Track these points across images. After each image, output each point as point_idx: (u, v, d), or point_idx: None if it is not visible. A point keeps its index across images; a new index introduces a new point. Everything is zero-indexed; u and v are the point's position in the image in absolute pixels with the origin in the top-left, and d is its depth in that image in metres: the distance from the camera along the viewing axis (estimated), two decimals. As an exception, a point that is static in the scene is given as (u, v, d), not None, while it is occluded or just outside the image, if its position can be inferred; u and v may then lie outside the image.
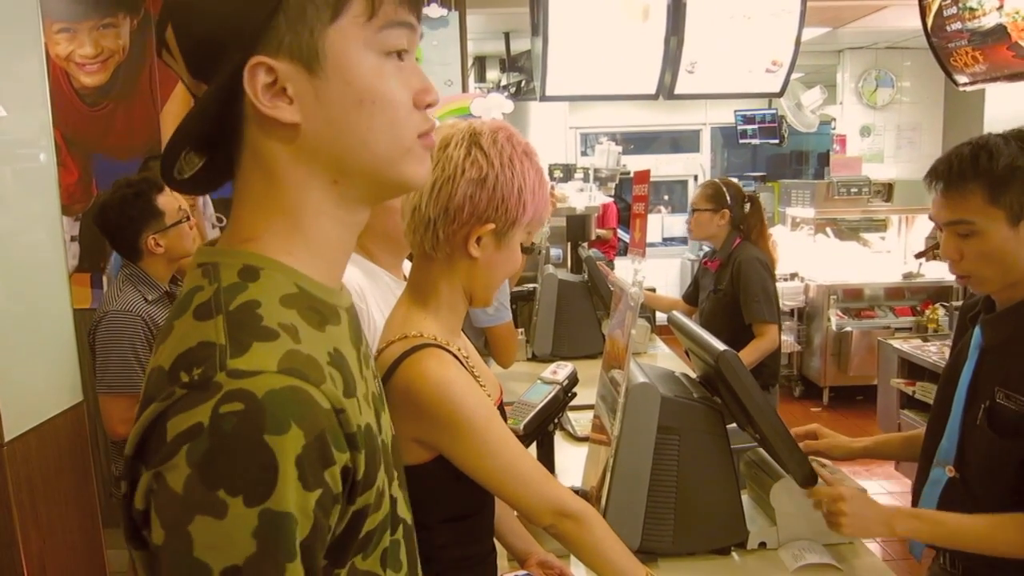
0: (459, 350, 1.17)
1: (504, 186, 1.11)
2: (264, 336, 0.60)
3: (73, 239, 3.60)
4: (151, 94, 3.57)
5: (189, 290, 0.66)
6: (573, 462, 1.88)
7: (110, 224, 2.21)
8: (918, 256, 5.21)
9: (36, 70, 2.34)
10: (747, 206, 3.07)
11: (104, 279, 3.53)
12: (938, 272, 5.62)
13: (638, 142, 8.52)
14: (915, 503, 1.53)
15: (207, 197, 3.65)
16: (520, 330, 3.38)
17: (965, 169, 1.31)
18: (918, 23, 3.88)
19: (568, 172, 4.89)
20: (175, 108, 3.58)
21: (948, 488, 1.43)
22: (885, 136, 6.68)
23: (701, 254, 3.97)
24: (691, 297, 3.38)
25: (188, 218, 2.28)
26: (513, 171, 1.11)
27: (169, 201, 2.23)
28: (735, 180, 3.22)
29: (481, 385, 1.18)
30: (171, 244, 2.23)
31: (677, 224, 8.60)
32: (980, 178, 1.29)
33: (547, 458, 1.78)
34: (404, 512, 0.79)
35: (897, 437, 1.80)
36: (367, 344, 0.82)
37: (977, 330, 1.42)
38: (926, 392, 3.73)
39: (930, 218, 1.44)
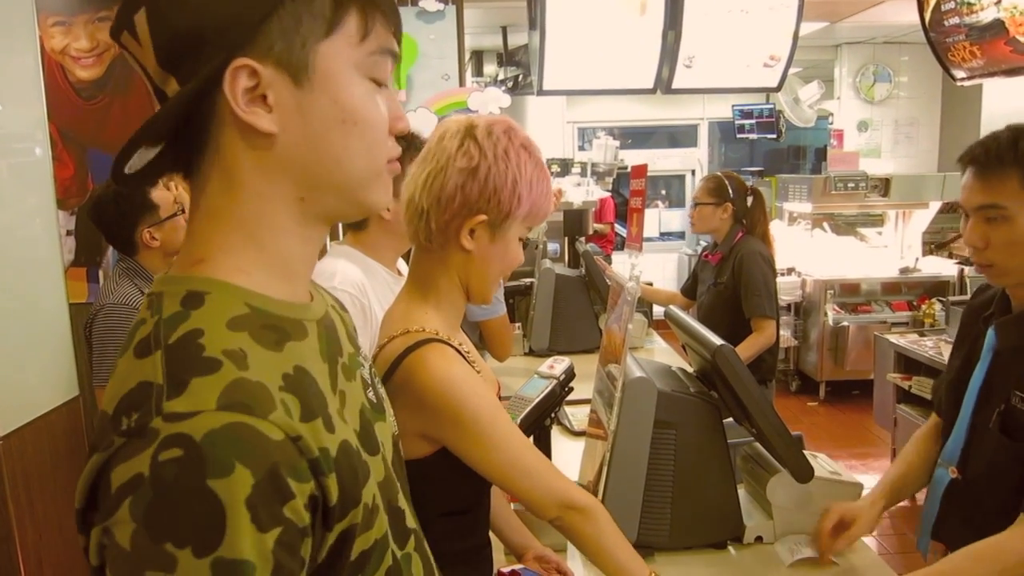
0: (460, 345, 1.17)
1: (496, 177, 1.10)
2: (203, 369, 0.57)
3: (69, 233, 3.58)
4: (146, 87, 3.55)
5: (134, 324, 0.63)
6: (570, 457, 1.88)
7: (105, 218, 2.21)
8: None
9: (31, 64, 2.33)
10: (750, 200, 3.06)
11: (100, 273, 3.51)
12: (935, 267, 5.63)
13: (636, 137, 8.51)
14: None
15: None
16: (517, 325, 3.38)
17: (1003, 153, 1.28)
18: (916, 18, 3.88)
19: (565, 167, 4.89)
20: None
21: (950, 489, 1.42)
22: (882, 131, 6.69)
23: (700, 248, 3.97)
24: (689, 290, 3.38)
25: (183, 211, 2.28)
26: (507, 163, 1.11)
27: (164, 195, 2.23)
28: (736, 174, 3.20)
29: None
30: (166, 237, 2.22)
31: (674, 219, 8.60)
32: (1018, 163, 1.27)
33: (544, 452, 1.78)
34: (413, 522, 0.77)
35: (903, 472, 1.61)
36: (356, 352, 0.79)
37: (991, 332, 1.40)
38: (922, 387, 3.74)
39: (957, 204, 1.43)
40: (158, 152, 0.68)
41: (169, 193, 2.26)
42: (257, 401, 0.57)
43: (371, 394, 0.78)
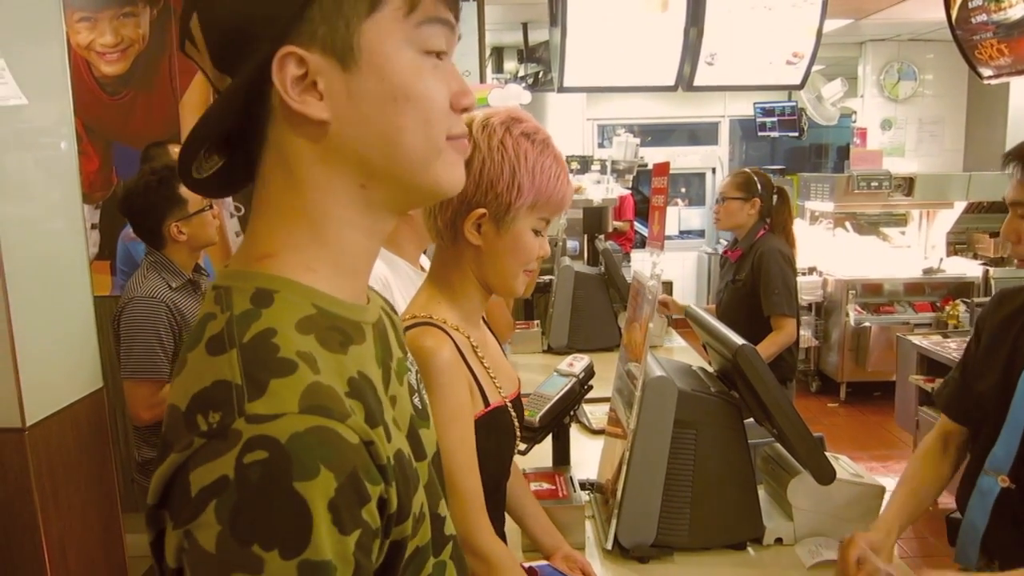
0: (469, 338, 1.17)
1: (491, 169, 1.09)
2: (281, 371, 0.56)
3: (93, 227, 3.63)
4: (170, 83, 3.59)
5: (202, 318, 0.62)
6: (588, 455, 1.87)
7: (133, 210, 2.24)
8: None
9: (57, 59, 2.35)
10: (775, 198, 3.04)
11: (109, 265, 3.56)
12: (959, 268, 5.56)
13: (656, 134, 8.47)
14: (962, 512, 1.50)
15: (226, 186, 3.66)
16: (536, 322, 3.38)
17: None
18: (942, 15, 3.83)
19: (585, 164, 4.87)
20: (194, 98, 3.60)
21: (1001, 499, 1.39)
22: (907, 130, 6.61)
23: (721, 247, 3.94)
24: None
25: (211, 207, 2.30)
26: (504, 154, 1.09)
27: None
28: (763, 171, 3.18)
29: (491, 377, 1.18)
30: (193, 232, 2.24)
31: (694, 217, 8.55)
32: None
33: (562, 450, 1.78)
34: (452, 528, 0.77)
35: (914, 493, 1.57)
36: (404, 357, 0.78)
37: None
38: (945, 389, 3.69)
39: (1004, 200, 1.44)
40: (228, 161, 0.69)
41: None
42: (335, 405, 0.57)
43: (416, 400, 0.78)
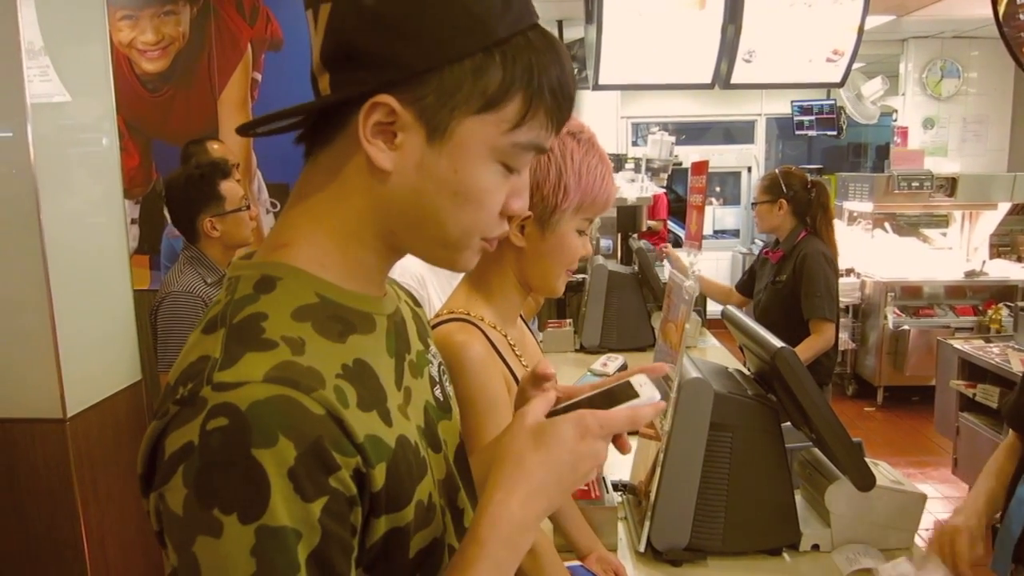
0: (506, 336, 1.16)
1: (537, 172, 1.08)
2: (259, 347, 0.58)
3: (133, 222, 3.70)
4: (209, 80, 3.64)
5: (211, 305, 0.65)
6: (621, 456, 1.86)
7: (172, 201, 2.28)
8: None
9: (100, 56, 2.40)
10: (812, 192, 2.98)
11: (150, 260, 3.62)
12: (1003, 271, 5.43)
13: (690, 132, 8.39)
14: (1002, 520, 1.46)
15: (262, 182, 3.71)
16: (568, 321, 3.37)
17: None
18: (987, 11, 3.72)
19: (619, 162, 4.84)
20: (233, 95, 3.64)
21: None
22: (949, 129, 6.46)
23: (756, 247, 3.89)
24: (745, 287, 3.31)
25: (248, 207, 2.32)
26: (550, 155, 1.08)
27: (232, 187, 2.28)
28: (797, 169, 3.12)
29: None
30: (228, 230, 2.27)
31: (729, 216, 8.46)
32: None
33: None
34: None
35: (1000, 489, 1.53)
36: (425, 350, 0.79)
37: None
38: (988, 395, 3.61)
39: None
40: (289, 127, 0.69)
41: (239, 187, 2.31)
42: (304, 378, 0.58)
43: (438, 392, 0.78)
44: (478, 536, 0.63)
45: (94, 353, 2.25)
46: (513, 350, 1.16)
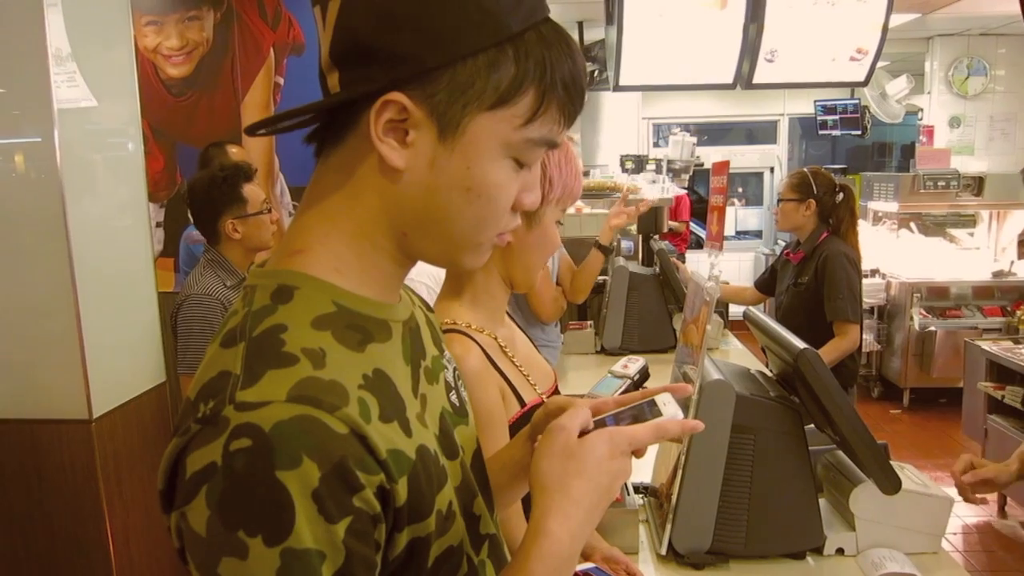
0: (496, 339, 1.16)
1: None
2: (280, 363, 0.58)
3: (158, 225, 3.74)
4: (233, 85, 3.67)
5: (228, 314, 0.65)
6: (643, 459, 1.85)
7: (195, 202, 2.30)
8: None
9: (126, 61, 2.43)
10: (839, 196, 2.95)
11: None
12: (1032, 271, 5.34)
13: (712, 133, 8.34)
14: None
15: (284, 185, 3.74)
16: (589, 322, 3.36)
17: None
18: (1014, 8, 3.66)
19: (640, 163, 4.81)
20: (256, 98, 3.68)
21: None
22: (976, 127, 6.36)
23: (778, 248, 3.85)
24: (764, 285, 3.28)
25: (269, 210, 2.34)
26: None
27: (255, 191, 2.29)
28: (825, 170, 3.08)
29: (524, 375, 1.17)
30: (249, 232, 2.28)
31: (751, 217, 8.40)
32: None
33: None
34: (490, 528, 0.76)
35: None
36: (440, 355, 0.78)
37: None
38: (1016, 397, 3.55)
39: None
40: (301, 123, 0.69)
41: (261, 191, 2.33)
42: (327, 396, 0.57)
43: (454, 397, 0.78)
44: (528, 568, 0.63)
45: (119, 355, 2.28)
46: (504, 351, 1.16)
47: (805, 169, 3.05)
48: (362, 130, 0.62)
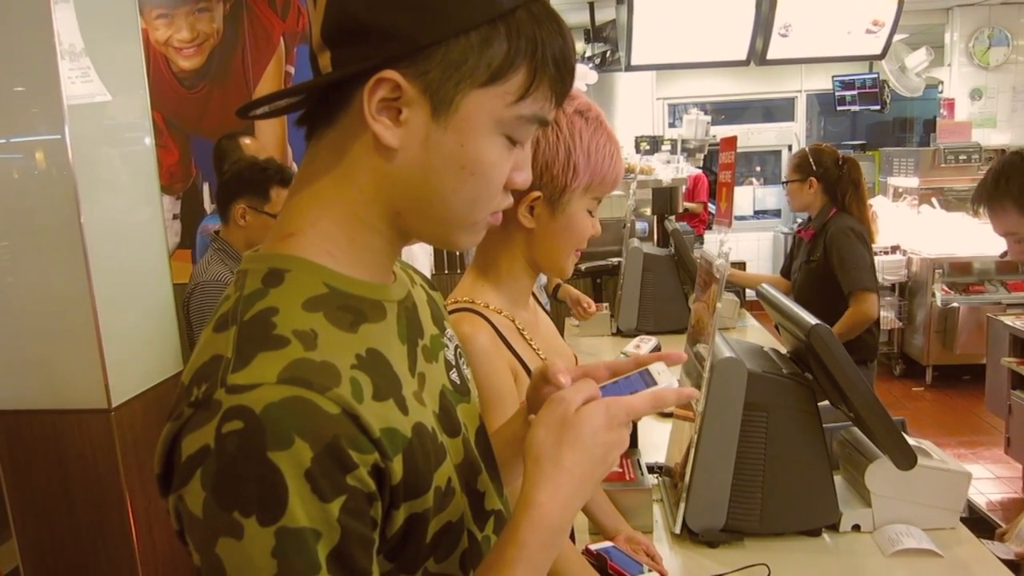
0: (515, 321, 1.15)
1: (546, 151, 1.07)
2: (271, 345, 0.58)
3: (175, 217, 3.77)
4: (244, 75, 3.68)
5: (220, 300, 0.65)
6: (657, 438, 1.84)
7: (225, 174, 2.34)
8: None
9: (135, 55, 2.44)
10: (843, 168, 2.92)
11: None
12: (1057, 244, 5.24)
13: (729, 112, 8.25)
14: None
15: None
16: (605, 304, 3.35)
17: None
18: (1038, -26, 3.59)
19: (655, 144, 4.77)
20: (267, 88, 3.69)
21: None
22: (998, 99, 6.24)
23: (795, 226, 3.82)
24: (787, 271, 3.26)
25: None
26: (558, 134, 1.07)
27: (281, 196, 2.30)
28: (828, 145, 3.05)
29: (542, 357, 1.16)
30: (253, 225, 2.28)
31: (769, 196, 8.31)
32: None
33: (630, 433, 1.76)
34: (496, 504, 0.76)
35: None
36: (440, 334, 0.78)
37: None
38: (1041, 372, 3.50)
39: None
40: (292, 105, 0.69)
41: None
42: (318, 377, 0.57)
43: (454, 375, 0.78)
44: (518, 538, 0.63)
45: (136, 346, 2.31)
46: (522, 334, 1.15)
47: (805, 148, 3.02)
48: (355, 110, 0.62)
